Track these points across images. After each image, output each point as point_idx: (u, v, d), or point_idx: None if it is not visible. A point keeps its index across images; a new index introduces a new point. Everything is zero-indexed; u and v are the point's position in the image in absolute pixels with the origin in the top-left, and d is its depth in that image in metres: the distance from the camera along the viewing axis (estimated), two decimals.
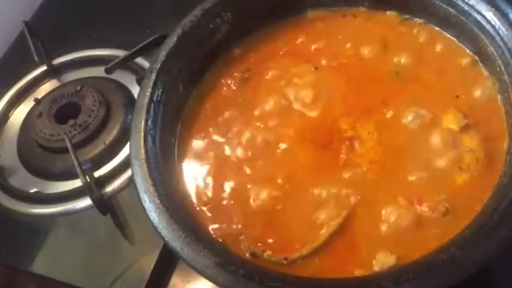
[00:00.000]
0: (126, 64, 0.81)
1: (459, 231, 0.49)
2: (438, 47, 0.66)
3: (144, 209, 0.55)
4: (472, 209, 0.51)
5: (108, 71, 0.76)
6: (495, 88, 0.60)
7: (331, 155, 0.60)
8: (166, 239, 0.52)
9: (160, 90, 0.63)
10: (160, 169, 0.58)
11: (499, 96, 0.60)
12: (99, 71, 0.84)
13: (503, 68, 0.58)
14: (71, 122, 0.80)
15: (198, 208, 0.60)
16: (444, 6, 0.64)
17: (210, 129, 0.65)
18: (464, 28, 0.63)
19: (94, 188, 0.72)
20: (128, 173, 0.74)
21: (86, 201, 0.73)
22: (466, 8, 0.62)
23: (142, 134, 0.59)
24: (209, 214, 0.59)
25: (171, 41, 0.66)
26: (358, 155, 0.59)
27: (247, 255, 0.55)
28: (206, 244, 0.51)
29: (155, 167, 0.58)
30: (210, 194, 0.60)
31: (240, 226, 0.57)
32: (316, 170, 0.59)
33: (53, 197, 0.77)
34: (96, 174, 0.75)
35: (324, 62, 0.67)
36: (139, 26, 0.88)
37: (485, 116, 0.59)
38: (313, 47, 0.69)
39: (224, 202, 0.59)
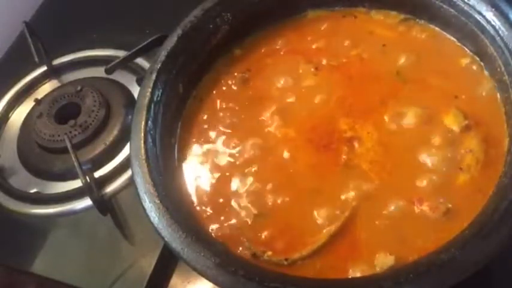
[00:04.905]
0: (126, 64, 0.81)
1: (459, 231, 0.49)
2: (438, 47, 0.66)
3: (144, 210, 0.55)
4: (472, 209, 0.51)
5: (108, 71, 0.76)
6: (495, 88, 0.60)
7: (332, 155, 0.60)
8: (166, 239, 0.52)
9: (161, 90, 0.63)
10: (160, 169, 0.58)
11: (499, 97, 0.60)
12: (99, 71, 0.84)
13: (503, 68, 0.58)
14: (71, 122, 0.80)
15: (198, 208, 0.60)
16: (444, 6, 0.64)
17: (211, 129, 0.65)
18: (464, 28, 0.63)
19: (94, 188, 0.72)
20: (128, 173, 0.74)
21: (86, 202, 0.73)
22: (466, 8, 0.62)
23: (143, 134, 0.59)
24: (209, 214, 0.59)
25: (171, 41, 0.66)
26: (358, 155, 0.59)
27: (248, 256, 0.55)
28: (206, 244, 0.51)
29: (155, 167, 0.58)
30: (210, 194, 0.60)
31: (240, 226, 0.57)
32: (316, 171, 0.59)
33: (53, 197, 0.77)
34: (96, 174, 0.75)
35: (324, 62, 0.67)
36: (139, 26, 0.88)
37: (485, 117, 0.59)
38: (313, 47, 0.69)
39: (224, 202, 0.59)
